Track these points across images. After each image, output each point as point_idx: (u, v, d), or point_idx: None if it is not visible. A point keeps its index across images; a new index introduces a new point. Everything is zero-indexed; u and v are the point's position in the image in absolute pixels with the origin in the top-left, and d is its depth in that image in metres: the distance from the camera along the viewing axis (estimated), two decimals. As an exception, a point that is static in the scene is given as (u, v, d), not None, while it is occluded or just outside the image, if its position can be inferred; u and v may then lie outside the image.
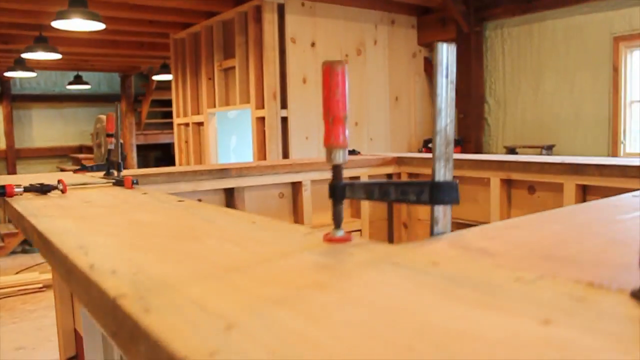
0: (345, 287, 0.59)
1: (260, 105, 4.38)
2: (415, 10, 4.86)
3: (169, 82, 7.28)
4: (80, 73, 7.73)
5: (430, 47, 4.98)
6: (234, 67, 4.71)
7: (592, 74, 3.91)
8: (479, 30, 4.51)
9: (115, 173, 2.08)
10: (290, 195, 2.71)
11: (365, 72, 4.67)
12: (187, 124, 5.58)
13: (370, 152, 4.68)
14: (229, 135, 6.05)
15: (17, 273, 6.96)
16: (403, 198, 0.83)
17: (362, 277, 0.62)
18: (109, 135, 2.19)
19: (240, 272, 0.66)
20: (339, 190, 0.80)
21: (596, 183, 2.08)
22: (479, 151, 4.58)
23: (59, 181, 1.60)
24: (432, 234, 0.86)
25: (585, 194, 2.16)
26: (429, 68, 4.98)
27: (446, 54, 0.83)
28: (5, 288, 6.14)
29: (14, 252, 8.01)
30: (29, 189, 1.57)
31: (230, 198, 2.51)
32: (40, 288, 6.33)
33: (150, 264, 0.71)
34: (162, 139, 8.02)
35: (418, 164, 2.91)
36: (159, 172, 2.31)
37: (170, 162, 6.06)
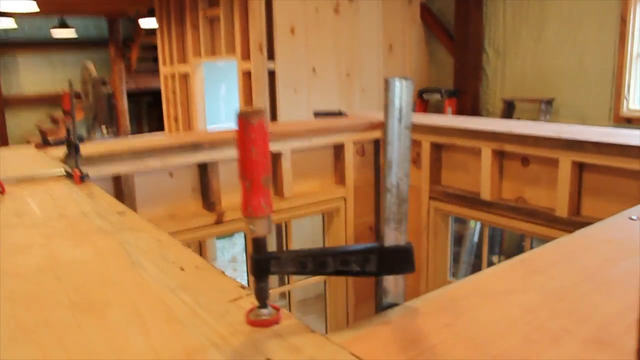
0: None
1: (246, 56, 4.15)
2: (411, -48, 4.54)
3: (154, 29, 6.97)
4: (65, 18, 7.40)
5: (427, -8, 4.70)
6: (219, 17, 4.45)
7: (598, 25, 3.66)
8: (479, -26, 4.22)
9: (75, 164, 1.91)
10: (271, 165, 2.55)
11: (358, 20, 4.40)
12: (173, 75, 5.35)
13: (362, 104, 4.49)
14: (218, 83, 5.83)
15: None
16: (344, 270, 0.68)
17: None
18: (65, 113, 2.02)
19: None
20: (262, 265, 0.65)
21: (594, 161, 1.91)
22: (475, 103, 4.36)
23: (-4, 180, 1.45)
24: (379, 306, 0.71)
25: (581, 171, 1.99)
26: (426, 15, 4.70)
27: (399, 92, 0.66)
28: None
29: None
30: (-37, 191, 1.43)
31: (204, 172, 2.36)
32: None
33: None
34: (154, 84, 7.74)
35: (407, 129, 2.73)
36: (125, 151, 2.14)
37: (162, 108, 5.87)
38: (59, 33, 7.56)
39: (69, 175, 1.65)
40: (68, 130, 2.01)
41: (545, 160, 2.12)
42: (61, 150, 2.10)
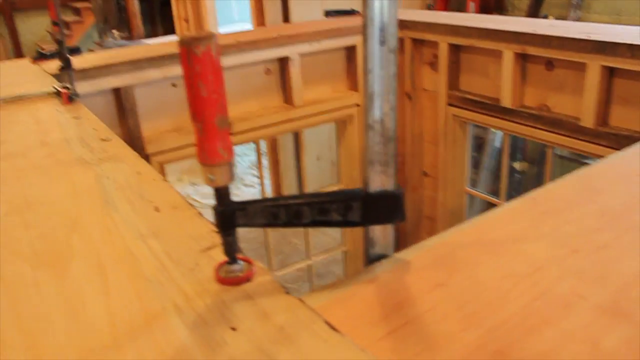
0: None
1: (255, -49, 3.90)
2: None
3: None
4: None
5: None
6: None
7: None
8: None
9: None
10: (278, 70, 2.43)
11: None
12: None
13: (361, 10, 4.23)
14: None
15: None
16: (323, 220, 0.60)
17: None
18: (54, 24, 1.90)
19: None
20: (227, 218, 0.57)
21: (626, 66, 1.75)
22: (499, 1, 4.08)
23: (-21, 103, 1.37)
24: (367, 258, 0.63)
25: (612, 76, 1.84)
26: None
27: (380, 6, 0.54)
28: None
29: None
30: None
31: (209, 81, 2.25)
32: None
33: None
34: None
35: (424, 28, 2.55)
36: (123, 61, 2.03)
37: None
38: None
39: (58, 94, 1.56)
40: (59, 42, 1.90)
41: (571, 64, 1.96)
42: (57, 64, 2.00)
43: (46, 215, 0.81)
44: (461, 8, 4.28)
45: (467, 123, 2.52)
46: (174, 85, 2.20)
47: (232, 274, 0.60)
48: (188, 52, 0.50)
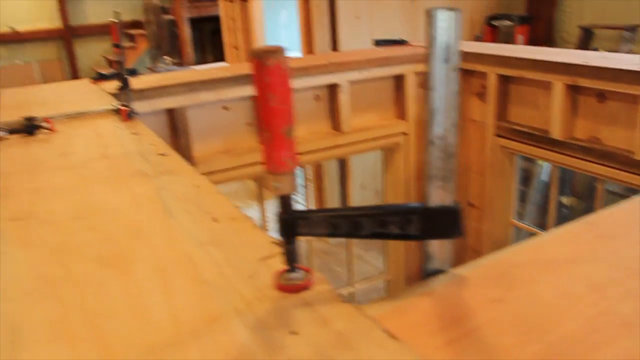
0: None
1: (307, -19, 3.99)
2: None
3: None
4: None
5: None
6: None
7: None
8: None
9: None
10: (327, 97, 2.47)
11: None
12: (232, 0, 5.23)
13: (425, 29, 4.26)
14: (279, 10, 5.68)
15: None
16: (382, 232, 0.61)
17: None
18: (115, 46, 1.98)
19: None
20: (290, 226, 0.59)
21: (683, 99, 1.72)
22: (549, 31, 4.06)
23: (44, 119, 1.44)
24: (424, 273, 0.64)
25: (666, 109, 1.81)
26: None
27: (445, 26, 0.56)
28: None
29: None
30: (14, 131, 1.42)
31: (259, 105, 2.30)
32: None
33: (37, 343, 0.54)
34: (216, 11, 7.64)
35: (473, 59, 2.56)
36: (177, 83, 2.10)
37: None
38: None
39: (118, 111, 1.62)
40: (119, 64, 1.98)
41: (624, 96, 1.93)
42: (116, 84, 2.08)
43: (109, 221, 0.84)
44: (509, 40, 4.28)
45: (514, 154, 2.50)
46: (225, 108, 2.25)
47: (291, 282, 0.61)
48: (259, 64, 0.53)
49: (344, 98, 2.42)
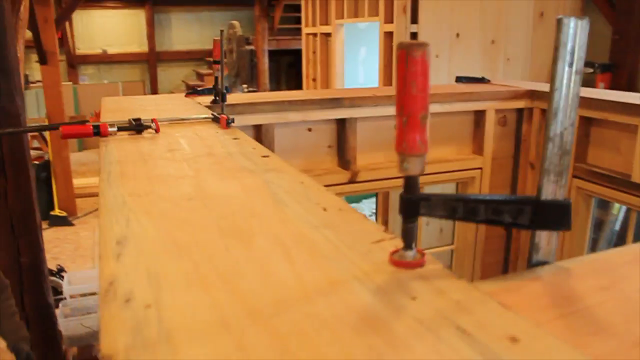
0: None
1: (389, 19, 4.09)
2: None
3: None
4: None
5: (589, -45, 4.33)
6: (364, -22, 4.42)
7: None
8: (652, -64, 3.83)
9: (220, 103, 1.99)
10: (407, 128, 2.52)
11: (507, -16, 4.18)
12: (315, 34, 5.41)
13: (505, 74, 4.28)
14: (358, 46, 5.82)
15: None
16: (495, 219, 0.65)
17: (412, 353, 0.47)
18: (214, 62, 2.11)
19: (261, 321, 0.53)
20: (412, 206, 0.64)
21: None
22: (632, 80, 4.01)
23: (152, 120, 1.55)
24: (529, 262, 0.67)
25: None
26: (585, -21, 4.36)
27: (573, 32, 0.61)
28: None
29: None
30: (122, 128, 1.54)
31: (341, 129, 2.38)
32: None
33: (174, 288, 0.61)
34: (294, 45, 7.89)
35: (555, 100, 2.57)
36: (267, 101, 2.21)
37: (298, 70, 6.00)
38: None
39: (215, 119, 1.72)
40: (216, 78, 2.10)
41: None
42: (207, 98, 2.21)
43: (224, 203, 0.91)
44: (590, 86, 4.24)
45: (591, 196, 2.47)
46: (309, 129, 2.34)
47: (407, 259, 0.66)
48: (406, 55, 0.59)
49: (423, 128, 2.46)
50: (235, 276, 0.65)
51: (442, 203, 0.64)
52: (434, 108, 2.46)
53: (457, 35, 4.11)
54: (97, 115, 7.58)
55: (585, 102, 2.39)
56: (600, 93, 2.51)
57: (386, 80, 4.18)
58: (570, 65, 0.62)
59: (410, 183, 0.63)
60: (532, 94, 2.64)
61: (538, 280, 0.63)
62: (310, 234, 0.77)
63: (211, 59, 8.15)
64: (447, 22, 4.06)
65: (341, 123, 2.36)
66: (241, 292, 0.61)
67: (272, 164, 1.18)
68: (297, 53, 8.94)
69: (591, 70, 4.13)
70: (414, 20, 4.00)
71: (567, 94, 0.63)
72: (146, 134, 1.54)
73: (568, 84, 0.63)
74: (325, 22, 5.20)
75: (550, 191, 0.64)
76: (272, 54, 8.79)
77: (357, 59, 5.80)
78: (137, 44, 8.53)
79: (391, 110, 2.39)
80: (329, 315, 0.54)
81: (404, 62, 0.59)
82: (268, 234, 0.77)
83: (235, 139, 1.46)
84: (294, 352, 0.48)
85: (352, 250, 0.71)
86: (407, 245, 0.66)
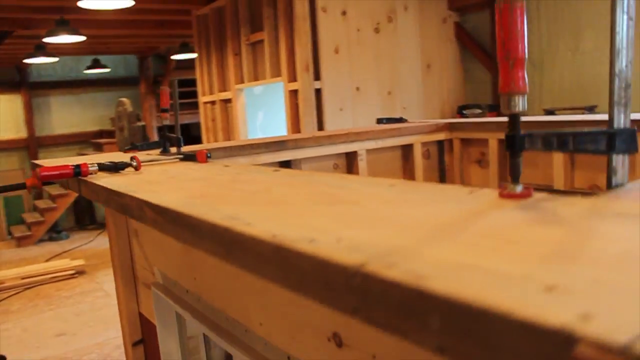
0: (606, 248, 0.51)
1: (293, 78, 4.28)
2: (445, -26, 4.74)
3: (188, 61, 7.17)
4: (97, 57, 7.63)
5: (462, 11, 4.85)
6: (262, 41, 4.60)
7: (637, 30, 3.78)
8: (513, -9, 4.38)
9: (175, 149, 2.00)
10: (345, 166, 2.64)
11: (397, 40, 4.55)
12: (213, 102, 5.49)
13: None
14: (255, 111, 5.95)
15: (47, 260, 6.98)
16: (581, 148, 0.75)
17: (610, 233, 0.54)
18: (163, 111, 2.12)
19: (450, 234, 0.58)
20: (519, 141, 0.73)
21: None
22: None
23: (132, 158, 1.54)
24: (609, 185, 0.78)
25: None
26: (461, 34, 4.85)
27: (625, -14, 0.74)
28: (38, 276, 6.15)
29: (41, 240, 8.02)
30: (103, 168, 1.51)
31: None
32: (73, 274, 6.35)
33: (338, 228, 0.64)
34: (183, 119, 7.92)
35: (470, 128, 2.82)
36: (217, 147, 2.23)
37: (193, 142, 6.02)
38: (93, 72, 7.79)
39: (186, 158, 1.73)
40: (166, 126, 2.10)
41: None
42: (154, 152, 2.20)
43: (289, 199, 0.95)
44: (479, 127, 4.65)
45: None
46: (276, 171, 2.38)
47: (517, 191, 0.74)
48: (510, 6, 0.69)
49: (362, 165, 2.59)
50: (384, 217, 0.68)
51: (541, 137, 0.74)
52: (369, 145, 2.61)
53: (358, 89, 4.38)
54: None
55: (503, 125, 2.65)
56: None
57: (295, 129, 4.30)
58: (626, 12, 0.75)
59: (515, 121, 0.72)
60: (450, 126, 2.87)
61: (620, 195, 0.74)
62: (402, 196, 0.82)
63: (97, 140, 7.84)
64: (347, 78, 4.31)
65: (286, 164, 2.43)
66: (402, 223, 0.65)
67: (295, 172, 1.23)
68: (186, 128, 8.94)
69: (480, 110, 4.54)
70: (317, 77, 4.21)
71: (626, 36, 0.76)
72: (126, 172, 1.52)
73: (625, 27, 0.76)
74: (223, 88, 5.30)
75: (621, 121, 0.76)
76: (161, 130, 8.69)
77: (255, 123, 5.93)
78: (15, 131, 8.13)
79: (331, 149, 2.51)
80: (501, 226, 0.60)
81: (507, 12, 0.69)
82: (362, 201, 0.82)
83: (226, 166, 1.49)
84: (502, 249, 0.53)
85: (460, 199, 0.76)
86: (515, 179, 0.74)
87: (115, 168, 1.53)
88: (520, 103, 0.71)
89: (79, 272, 6.43)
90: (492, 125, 2.69)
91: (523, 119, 0.76)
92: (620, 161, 0.77)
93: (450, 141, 2.92)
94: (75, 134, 8.59)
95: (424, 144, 2.83)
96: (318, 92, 4.22)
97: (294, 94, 4.29)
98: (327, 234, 0.60)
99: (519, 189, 0.74)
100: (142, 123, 7.28)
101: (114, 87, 8.78)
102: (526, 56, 0.71)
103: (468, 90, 4.98)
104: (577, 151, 0.75)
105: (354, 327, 0.87)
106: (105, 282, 5.95)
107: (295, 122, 4.32)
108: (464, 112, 4.69)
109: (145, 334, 2.10)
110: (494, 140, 2.69)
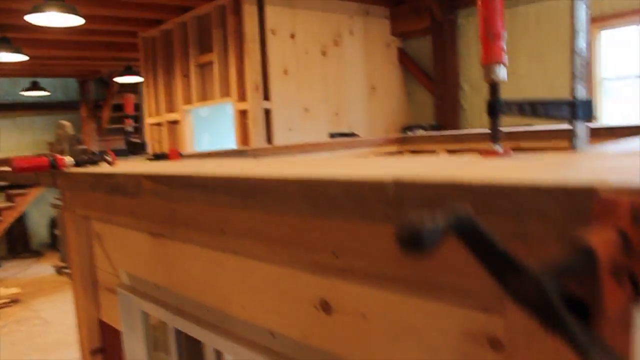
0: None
1: (242, 98, 4.35)
2: (389, 1, 4.95)
3: (131, 85, 7.12)
4: (36, 79, 7.47)
5: (404, 37, 5.08)
6: (211, 62, 4.66)
7: (565, 55, 4.08)
8: (452, 19, 4.63)
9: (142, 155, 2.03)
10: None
11: (343, 63, 4.72)
12: (159, 124, 5.48)
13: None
14: (201, 133, 5.97)
15: (-20, 289, 6.68)
16: (549, 114, 0.87)
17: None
18: (127, 117, 2.16)
19: (458, 167, 0.67)
20: (498, 107, 0.83)
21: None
22: (459, 135, 4.69)
23: (106, 151, 1.58)
24: (573, 147, 0.90)
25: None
26: (404, 58, 5.08)
27: (581, -19, 0.86)
28: (-29, 305, 5.89)
29: (-27, 270, 7.67)
30: (79, 163, 1.54)
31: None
32: (7, 303, 6.10)
33: (350, 171, 0.72)
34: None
35: (420, 141, 2.97)
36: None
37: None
38: (31, 95, 7.60)
39: (158, 157, 1.78)
40: (127, 131, 2.14)
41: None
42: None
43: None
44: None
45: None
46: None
47: (495, 150, 0.84)
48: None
49: (318, 174, 2.68)
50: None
51: (516, 105, 0.85)
52: (325, 156, 2.70)
53: (306, 109, 4.50)
54: None
55: (451, 137, 2.81)
56: (462, 131, 2.96)
57: (245, 143, 4.36)
58: (584, 1, 0.88)
59: (495, 89, 0.83)
60: (402, 139, 3.01)
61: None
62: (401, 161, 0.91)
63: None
64: (296, 99, 4.42)
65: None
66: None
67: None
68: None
69: (423, 131, 4.74)
70: (266, 97, 4.30)
71: (582, 20, 0.88)
72: (102, 165, 1.55)
73: (582, 11, 0.88)
74: (170, 109, 5.31)
75: (580, 92, 0.88)
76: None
77: (201, 145, 5.95)
78: (-54, 156, 7.80)
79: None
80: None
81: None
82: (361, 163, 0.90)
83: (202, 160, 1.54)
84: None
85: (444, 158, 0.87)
86: (495, 140, 0.85)
87: (91, 162, 1.57)
88: (499, 73, 0.82)
89: (14, 301, 6.19)
90: (440, 138, 2.84)
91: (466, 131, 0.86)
92: (580, 127, 0.89)
93: (401, 153, 3.06)
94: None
95: (377, 155, 2.95)
96: (267, 112, 4.31)
97: (243, 114, 4.36)
98: (343, 172, 0.69)
99: (499, 148, 0.84)
100: (84, 146, 7.12)
101: (52, 110, 8.57)
102: (505, 34, 0.82)
103: (411, 112, 5.19)
104: (545, 117, 0.86)
105: (341, 289, 0.90)
106: (43, 309, 5.76)
107: (244, 142, 4.38)
108: (408, 132, 4.87)
109: (106, 342, 2.09)
110: (442, 152, 2.85)
